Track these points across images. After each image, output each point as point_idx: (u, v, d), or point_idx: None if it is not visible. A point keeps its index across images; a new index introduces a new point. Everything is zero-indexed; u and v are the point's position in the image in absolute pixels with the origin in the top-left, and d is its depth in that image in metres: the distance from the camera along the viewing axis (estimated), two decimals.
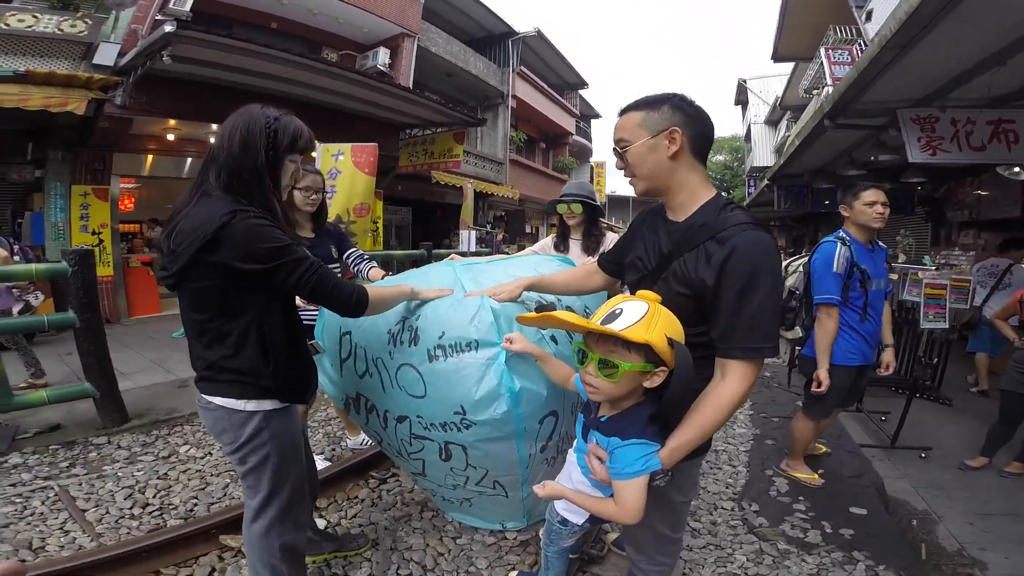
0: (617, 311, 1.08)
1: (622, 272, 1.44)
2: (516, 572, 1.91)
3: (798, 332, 2.59)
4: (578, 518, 1.40)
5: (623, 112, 1.25)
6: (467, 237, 7.62)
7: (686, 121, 1.17)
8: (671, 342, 1.04)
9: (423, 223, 13.76)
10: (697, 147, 1.20)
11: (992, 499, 2.67)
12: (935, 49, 3.34)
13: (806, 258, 2.60)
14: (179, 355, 5.32)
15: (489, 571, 1.95)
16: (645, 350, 1.05)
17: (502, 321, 1.59)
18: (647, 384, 1.09)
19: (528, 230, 19.10)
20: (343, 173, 4.94)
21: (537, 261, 2.15)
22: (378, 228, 8.78)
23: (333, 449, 3.17)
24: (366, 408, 1.88)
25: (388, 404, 1.76)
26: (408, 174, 10.67)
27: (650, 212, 1.38)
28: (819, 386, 2.42)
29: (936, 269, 4.34)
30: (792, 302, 2.58)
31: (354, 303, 1.38)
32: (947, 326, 3.43)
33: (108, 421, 3.35)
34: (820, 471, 2.82)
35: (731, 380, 1.09)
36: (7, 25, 5.95)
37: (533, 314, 1.25)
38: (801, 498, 2.62)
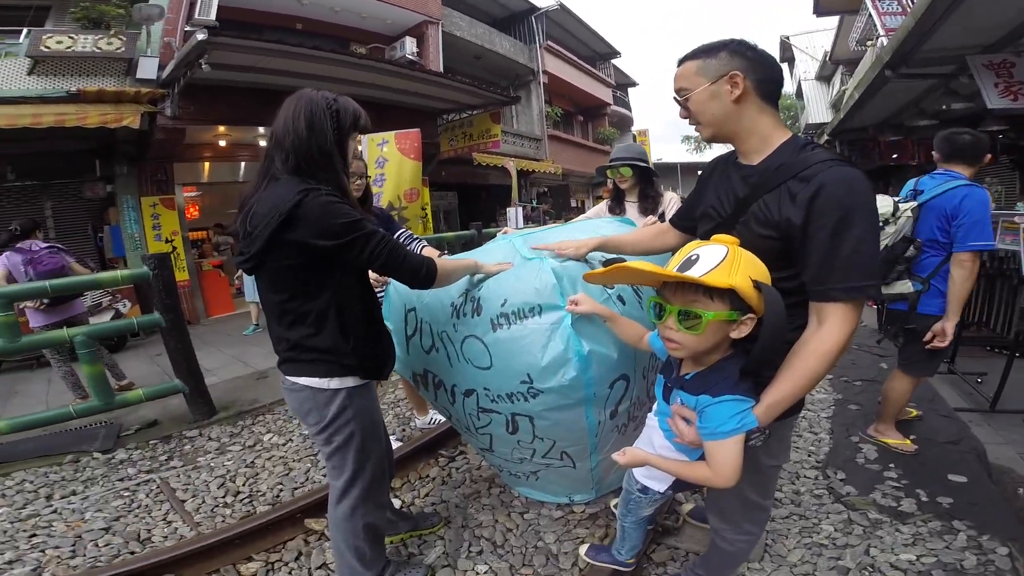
0: (693, 257, 1.02)
1: (695, 227, 1.38)
2: (587, 545, 1.88)
3: (908, 286, 2.30)
4: (660, 485, 1.35)
5: (681, 62, 1.21)
6: (514, 215, 7.59)
7: (747, 65, 1.12)
8: (757, 285, 0.96)
9: (469, 206, 13.86)
10: (764, 90, 1.14)
11: None
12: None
13: (914, 202, 2.33)
14: (255, 349, 5.68)
15: (557, 545, 1.96)
16: (730, 296, 0.98)
17: (565, 282, 1.54)
18: (734, 334, 1.02)
19: (573, 204, 18.90)
20: (390, 161, 5.01)
21: (597, 224, 2.09)
22: (427, 214, 8.93)
23: (403, 430, 3.27)
24: (434, 384, 1.90)
25: (455, 378, 1.77)
26: (450, 159, 10.76)
27: (720, 160, 1.31)
28: (944, 340, 2.24)
29: None
30: (910, 249, 2.29)
31: (424, 274, 1.40)
32: None
33: (198, 415, 3.60)
34: (912, 437, 2.62)
35: (830, 325, 1.00)
36: (48, 48, 6.28)
37: (601, 269, 1.21)
38: (892, 466, 2.45)
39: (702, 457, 1.09)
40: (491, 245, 2.01)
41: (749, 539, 1.43)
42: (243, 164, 8.81)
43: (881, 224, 2.21)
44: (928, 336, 2.29)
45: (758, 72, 1.13)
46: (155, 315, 3.45)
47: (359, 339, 1.39)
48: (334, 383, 1.38)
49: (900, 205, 2.33)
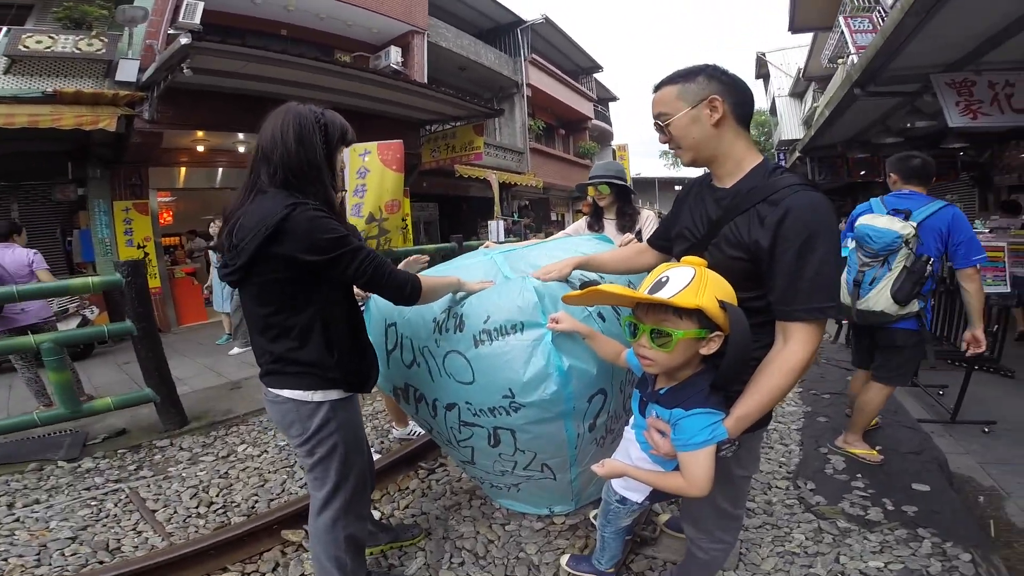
0: (663, 279, 1.07)
1: (671, 247, 1.43)
2: (567, 555, 1.91)
3: (915, 305, 2.35)
4: (638, 496, 1.40)
5: (658, 87, 1.25)
6: (495, 228, 7.64)
7: (724, 89, 1.17)
8: (723, 304, 1.02)
9: (450, 218, 13.89)
10: (740, 113, 1.19)
11: None
12: (962, 12, 3.21)
13: (913, 223, 2.35)
14: (228, 360, 5.56)
15: (539, 556, 1.97)
16: (697, 315, 1.03)
17: (547, 301, 1.59)
18: (703, 351, 1.07)
19: (554, 217, 19.03)
20: (372, 171, 4.99)
21: (577, 242, 2.14)
22: (407, 225, 8.89)
23: (382, 442, 3.24)
24: (415, 398, 1.91)
25: (437, 392, 1.79)
26: (432, 170, 10.75)
27: (695, 183, 1.37)
28: (979, 346, 2.38)
29: (991, 232, 4.13)
30: (927, 268, 2.31)
31: (408, 291, 1.41)
32: (1008, 290, 3.25)
33: (169, 424, 3.52)
34: (877, 447, 2.73)
35: (795, 343, 1.06)
36: (26, 47, 6.14)
37: (578, 291, 1.25)
38: (859, 476, 2.55)
39: (677, 468, 1.13)
40: (472, 260, 2.04)
41: (723, 547, 1.47)
42: (220, 170, 8.67)
43: (905, 242, 2.31)
44: (964, 346, 2.45)
45: (734, 96, 1.17)
46: (127, 323, 3.37)
47: (344, 353, 1.40)
48: (318, 396, 1.38)
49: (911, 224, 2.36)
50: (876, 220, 2.40)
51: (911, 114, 5.74)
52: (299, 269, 1.27)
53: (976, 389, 3.33)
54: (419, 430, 3.12)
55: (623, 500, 1.45)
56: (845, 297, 2.47)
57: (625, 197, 2.66)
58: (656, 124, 1.25)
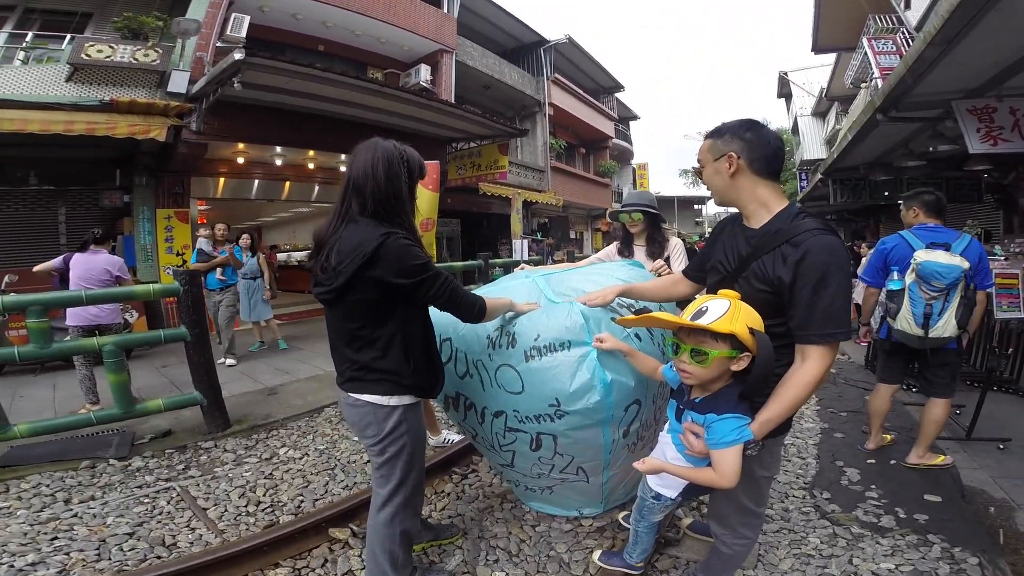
0: (703, 308, 1.28)
1: (705, 278, 1.64)
2: (599, 551, 2.06)
3: (955, 328, 2.59)
4: (671, 492, 1.56)
5: (704, 138, 1.49)
6: (519, 247, 7.79)
7: (743, 146, 1.38)
8: (752, 331, 1.22)
9: (470, 234, 14.10)
10: (758, 167, 1.39)
11: None
12: (982, 42, 3.31)
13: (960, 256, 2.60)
14: (262, 365, 5.75)
15: (569, 555, 2.11)
16: (730, 339, 1.23)
17: (591, 323, 1.79)
18: (734, 367, 1.28)
19: (572, 235, 19.11)
20: None
21: (611, 268, 2.32)
22: (433, 242, 9.11)
23: None
24: (464, 406, 2.09)
25: (487, 401, 1.98)
26: (455, 187, 11.01)
27: (729, 221, 1.57)
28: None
29: (1006, 259, 4.18)
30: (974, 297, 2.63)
31: (477, 311, 1.62)
32: (1022, 315, 3.34)
33: (213, 427, 3.69)
34: (893, 461, 2.85)
35: (811, 362, 1.25)
36: (88, 56, 6.41)
37: (632, 316, 1.46)
38: (873, 486, 2.66)
39: (708, 465, 1.32)
40: (515, 283, 2.22)
41: (746, 543, 1.62)
42: (256, 182, 9.03)
43: (966, 276, 2.53)
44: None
45: (752, 152, 1.37)
46: (181, 329, 3.60)
47: (418, 362, 1.58)
48: (393, 400, 1.55)
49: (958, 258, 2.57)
50: (938, 257, 2.58)
51: (933, 138, 5.79)
52: (388, 290, 1.45)
53: (993, 408, 3.40)
54: (453, 438, 3.28)
55: (657, 496, 1.62)
56: (914, 329, 2.64)
57: (656, 225, 2.82)
58: (695, 169, 1.56)
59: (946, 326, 2.57)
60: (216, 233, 5.92)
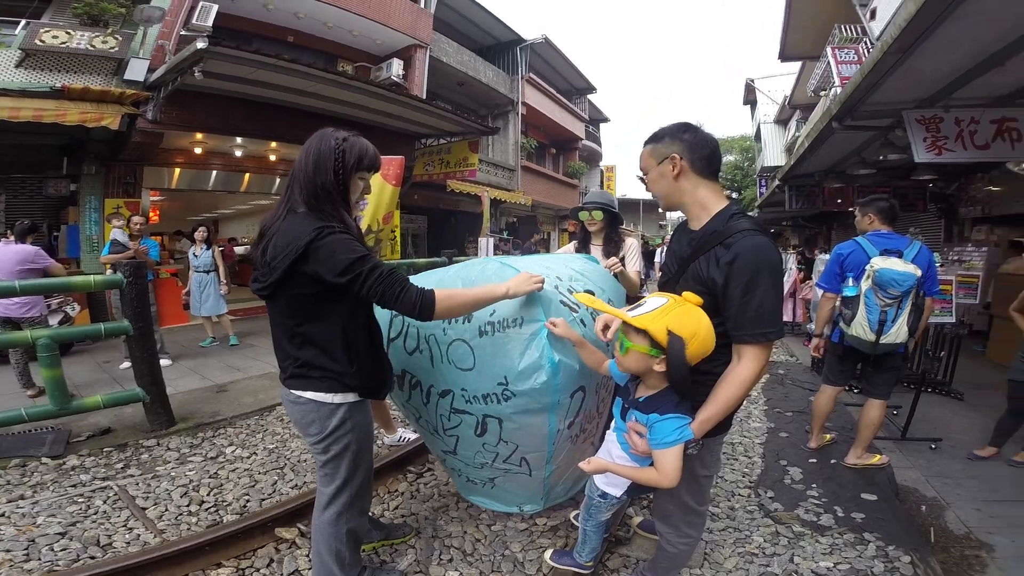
0: (642, 302, 1.31)
1: None
2: (551, 551, 2.07)
3: (905, 333, 2.69)
4: (617, 491, 1.58)
5: (644, 146, 1.50)
6: (485, 244, 7.78)
7: (683, 147, 1.40)
8: (670, 333, 1.21)
9: (438, 231, 14.01)
10: (700, 167, 1.41)
11: (1000, 487, 2.77)
12: (935, 52, 3.46)
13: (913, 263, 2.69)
14: (212, 362, 5.57)
15: (523, 553, 2.12)
16: (647, 335, 1.25)
17: (545, 302, 1.76)
18: (656, 368, 1.29)
19: (540, 236, 19.23)
20: (372, 184, 5.09)
21: (567, 258, 2.31)
22: (395, 236, 8.98)
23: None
24: (410, 384, 2.04)
25: (434, 379, 1.94)
26: (423, 183, 10.90)
27: (679, 225, 1.60)
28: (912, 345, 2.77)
29: (941, 265, 4.42)
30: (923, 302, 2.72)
31: (419, 309, 1.44)
32: (953, 320, 3.53)
33: (156, 424, 3.55)
34: (833, 461, 2.97)
35: (746, 361, 1.28)
36: (42, 42, 6.15)
37: (584, 295, 1.53)
38: (814, 485, 2.77)
39: (651, 465, 1.33)
40: (475, 269, 2.07)
41: (689, 541, 1.65)
42: (214, 173, 8.72)
43: (916, 282, 2.61)
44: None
45: (692, 152, 1.39)
46: (124, 323, 3.44)
47: (363, 362, 1.53)
48: (337, 398, 1.51)
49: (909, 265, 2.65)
50: (894, 264, 2.64)
51: (884, 147, 6.06)
52: (324, 286, 1.40)
53: (927, 409, 3.60)
54: (408, 436, 3.23)
55: (604, 495, 1.63)
56: (868, 335, 2.70)
57: (614, 224, 2.85)
58: (639, 177, 1.55)
59: (898, 332, 2.66)
60: (132, 226, 5.43)
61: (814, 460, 3.13)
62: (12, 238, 4.23)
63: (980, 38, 3.28)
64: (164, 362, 5.37)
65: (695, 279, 1.37)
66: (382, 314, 2.03)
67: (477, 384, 1.83)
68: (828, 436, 3.35)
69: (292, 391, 1.54)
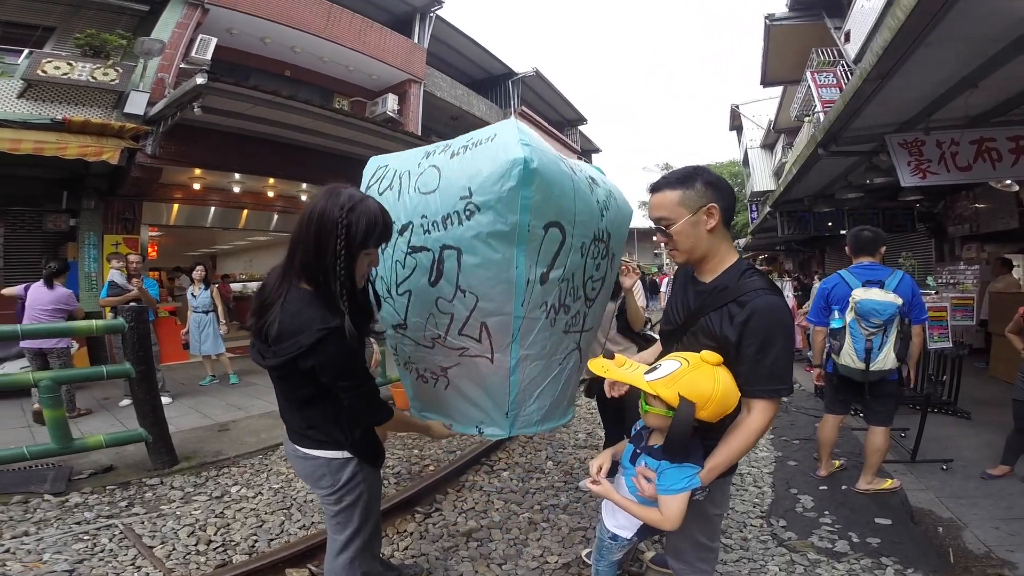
0: (658, 366, 1.32)
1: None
2: None
3: (894, 360, 2.77)
4: (627, 533, 1.58)
5: (656, 190, 1.40)
6: None
7: (719, 196, 1.33)
8: (681, 399, 1.23)
9: None
10: (728, 217, 1.38)
11: (1016, 504, 2.76)
12: (912, 76, 3.60)
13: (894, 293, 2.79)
14: (213, 400, 5.51)
15: None
16: (661, 400, 1.27)
17: (527, 135, 1.55)
18: None
19: None
20: None
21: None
22: None
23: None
24: None
25: (396, 215, 1.66)
26: None
27: (682, 271, 1.58)
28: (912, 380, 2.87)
29: (936, 292, 4.49)
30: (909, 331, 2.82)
31: (380, 419, 1.53)
32: (950, 344, 3.59)
33: (159, 463, 3.51)
34: (844, 487, 2.96)
35: (756, 414, 1.30)
36: (44, 72, 6.16)
37: (606, 367, 1.39)
38: (827, 512, 2.76)
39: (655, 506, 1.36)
40: None
41: None
42: (212, 209, 8.75)
43: (900, 312, 2.72)
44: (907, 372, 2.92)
45: (726, 200, 1.34)
46: (126, 365, 3.43)
47: (361, 434, 1.54)
48: (347, 453, 1.51)
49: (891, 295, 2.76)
50: (873, 295, 2.76)
51: (869, 171, 6.22)
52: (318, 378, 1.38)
53: (935, 430, 3.60)
54: None
55: (614, 537, 1.63)
56: (857, 363, 2.80)
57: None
58: (659, 228, 1.40)
59: (886, 359, 2.74)
60: (130, 265, 5.37)
61: (825, 487, 3.11)
62: (57, 281, 4.69)
63: (952, 61, 3.42)
64: (165, 400, 5.30)
65: (706, 334, 1.36)
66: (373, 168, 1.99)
67: (438, 205, 1.61)
68: (838, 463, 3.35)
69: (299, 448, 1.53)
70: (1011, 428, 3.07)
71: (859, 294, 2.80)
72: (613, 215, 1.90)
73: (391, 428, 1.61)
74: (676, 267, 1.61)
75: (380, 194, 1.80)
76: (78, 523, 2.72)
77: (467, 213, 1.55)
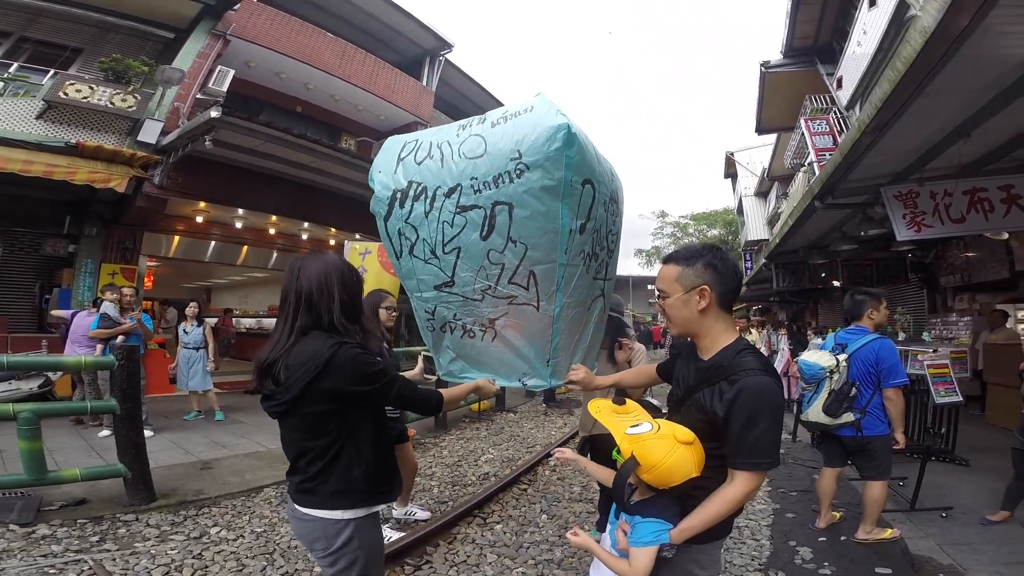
0: (637, 424, 1.38)
1: (668, 381, 1.72)
2: None
3: (851, 416, 2.91)
4: None
5: (664, 261, 1.50)
6: None
7: (716, 279, 1.39)
8: (632, 455, 1.30)
9: None
10: (724, 300, 1.44)
11: (1018, 550, 2.71)
12: (908, 128, 3.69)
13: (844, 354, 3.00)
14: (197, 436, 5.33)
15: None
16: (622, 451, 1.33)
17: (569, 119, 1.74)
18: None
19: None
20: (369, 272, 5.07)
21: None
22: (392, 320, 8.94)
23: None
24: (413, 196, 1.92)
25: (441, 179, 1.85)
26: None
27: (687, 345, 1.62)
28: (899, 444, 2.94)
29: (934, 351, 4.46)
30: (852, 391, 2.93)
31: (434, 405, 1.66)
32: (960, 399, 3.61)
33: (136, 499, 3.39)
34: (843, 538, 2.88)
35: (738, 483, 1.33)
36: (66, 95, 6.23)
37: (599, 407, 1.49)
38: (826, 563, 2.68)
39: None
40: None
41: None
42: (213, 243, 8.77)
43: (829, 373, 2.96)
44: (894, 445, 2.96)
45: (723, 285, 1.40)
46: (112, 401, 3.39)
47: (370, 463, 1.51)
48: (347, 514, 1.48)
49: (838, 357, 2.99)
50: (811, 356, 3.09)
51: (864, 222, 6.36)
52: (342, 400, 1.43)
53: (934, 478, 3.55)
54: (417, 514, 3.19)
55: None
56: (804, 415, 3.10)
57: (620, 330, 2.75)
58: (658, 295, 1.52)
59: (813, 412, 2.98)
60: (123, 298, 5.31)
61: (823, 538, 3.04)
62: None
63: (948, 111, 3.52)
64: (147, 433, 5.16)
65: (698, 408, 1.41)
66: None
67: (488, 167, 1.77)
68: (837, 514, 3.30)
69: (298, 507, 1.51)
70: (1010, 474, 3.07)
71: (804, 355, 3.17)
72: (616, 182, 2.17)
73: (448, 406, 1.73)
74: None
75: (419, 163, 1.93)
76: (44, 556, 2.61)
77: (517, 172, 1.74)
